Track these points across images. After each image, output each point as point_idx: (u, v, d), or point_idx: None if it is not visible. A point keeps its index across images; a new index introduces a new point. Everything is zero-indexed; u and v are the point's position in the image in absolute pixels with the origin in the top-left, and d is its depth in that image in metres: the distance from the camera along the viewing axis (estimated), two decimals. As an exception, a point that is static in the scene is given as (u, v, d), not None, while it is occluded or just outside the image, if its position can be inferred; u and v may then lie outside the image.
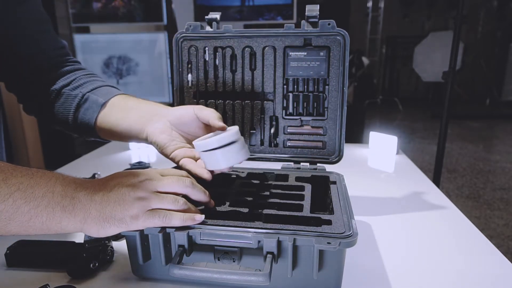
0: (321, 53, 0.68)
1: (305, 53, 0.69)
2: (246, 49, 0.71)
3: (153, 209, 0.47)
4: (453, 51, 1.52)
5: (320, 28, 0.67)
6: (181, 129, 0.62)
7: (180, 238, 0.48)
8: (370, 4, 6.25)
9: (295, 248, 0.47)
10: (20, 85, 0.70)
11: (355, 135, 3.04)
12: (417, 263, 0.60)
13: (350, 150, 1.26)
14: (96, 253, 0.56)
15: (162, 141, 0.61)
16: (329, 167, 0.71)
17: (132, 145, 1.30)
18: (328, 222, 0.50)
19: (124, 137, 0.65)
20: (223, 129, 0.57)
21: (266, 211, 0.54)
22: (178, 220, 0.48)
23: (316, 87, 0.70)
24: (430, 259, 0.61)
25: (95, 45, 2.56)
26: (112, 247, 0.59)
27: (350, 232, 0.47)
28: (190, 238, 0.48)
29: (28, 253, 0.58)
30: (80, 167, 1.13)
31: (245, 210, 0.55)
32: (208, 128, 0.62)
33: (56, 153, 2.59)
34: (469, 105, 5.84)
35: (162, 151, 0.61)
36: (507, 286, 0.54)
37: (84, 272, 0.55)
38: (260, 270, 0.47)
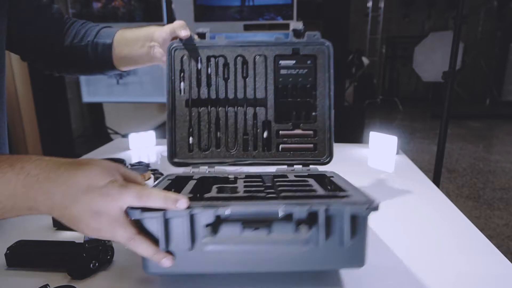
0: (309, 61, 0.73)
1: (294, 62, 0.74)
2: (238, 58, 0.74)
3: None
4: (453, 51, 1.52)
5: (307, 38, 0.73)
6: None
7: (206, 217, 0.46)
8: (370, 4, 6.25)
9: (327, 216, 0.47)
10: (33, 52, 0.81)
11: (355, 135, 3.04)
12: (417, 263, 0.60)
13: (350, 150, 1.25)
14: (96, 253, 0.56)
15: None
16: (321, 168, 0.72)
17: (132, 145, 1.30)
18: (347, 197, 0.51)
19: (138, 63, 0.81)
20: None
21: (283, 194, 0.54)
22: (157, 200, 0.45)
23: (305, 92, 0.74)
24: (430, 259, 0.61)
25: (95, 45, 2.56)
26: (112, 247, 0.59)
27: (371, 199, 0.48)
28: (217, 217, 0.46)
29: (28, 253, 0.58)
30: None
31: (261, 194, 0.54)
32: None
33: (56, 153, 2.59)
34: (469, 105, 5.84)
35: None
36: (507, 286, 0.54)
37: (84, 272, 0.55)
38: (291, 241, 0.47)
